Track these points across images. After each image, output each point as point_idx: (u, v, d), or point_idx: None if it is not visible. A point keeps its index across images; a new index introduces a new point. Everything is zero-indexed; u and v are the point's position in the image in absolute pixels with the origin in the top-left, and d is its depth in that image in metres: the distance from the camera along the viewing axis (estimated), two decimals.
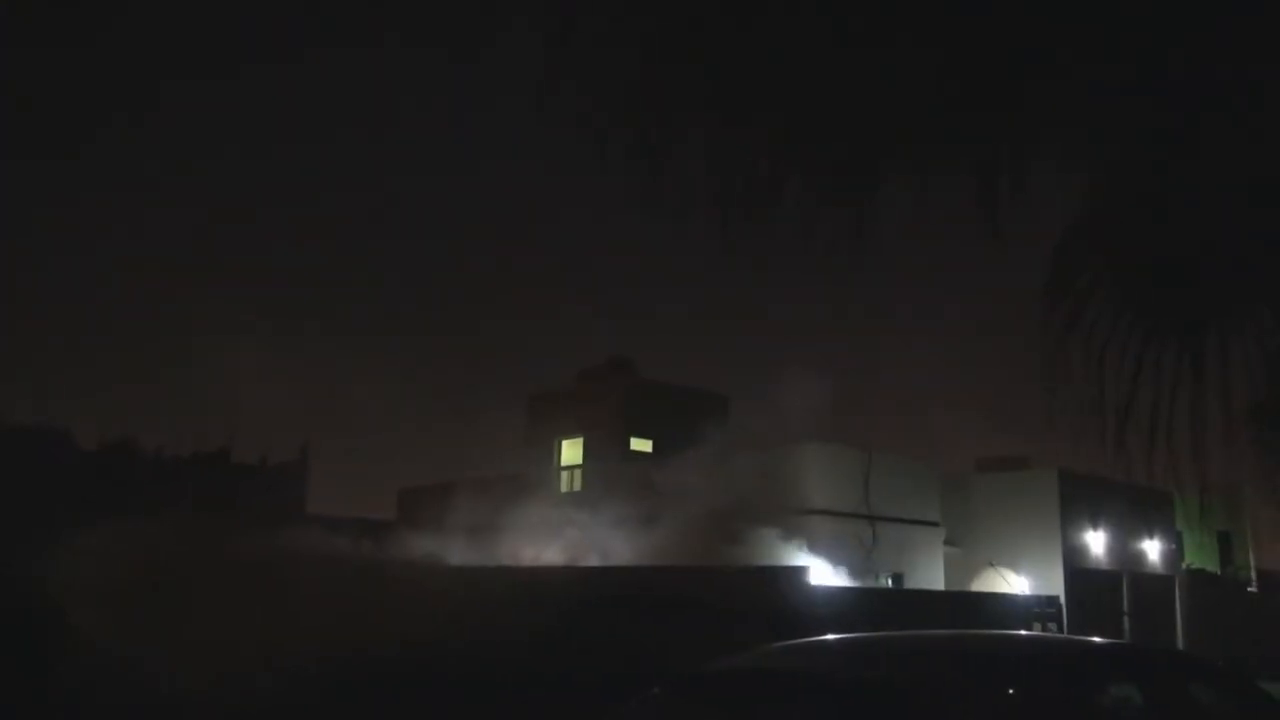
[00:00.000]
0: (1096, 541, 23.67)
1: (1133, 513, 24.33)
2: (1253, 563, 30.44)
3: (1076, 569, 22.77)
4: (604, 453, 22.81)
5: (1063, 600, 19.71)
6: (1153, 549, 25.56)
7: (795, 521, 18.11)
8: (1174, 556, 26.47)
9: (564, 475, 23.97)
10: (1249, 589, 29.37)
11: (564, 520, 19.19)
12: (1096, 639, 4.85)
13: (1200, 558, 28.08)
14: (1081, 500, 23.23)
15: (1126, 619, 23.09)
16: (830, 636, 4.97)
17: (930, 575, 20.94)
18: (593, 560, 18.12)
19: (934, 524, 21.57)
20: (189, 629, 12.89)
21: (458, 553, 18.32)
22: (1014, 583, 22.28)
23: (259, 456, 30.50)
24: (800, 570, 15.20)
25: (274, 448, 31.52)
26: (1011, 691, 3.42)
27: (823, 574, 16.78)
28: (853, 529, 19.05)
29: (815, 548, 17.47)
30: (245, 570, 14.68)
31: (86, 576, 13.93)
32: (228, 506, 17.96)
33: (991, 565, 22.62)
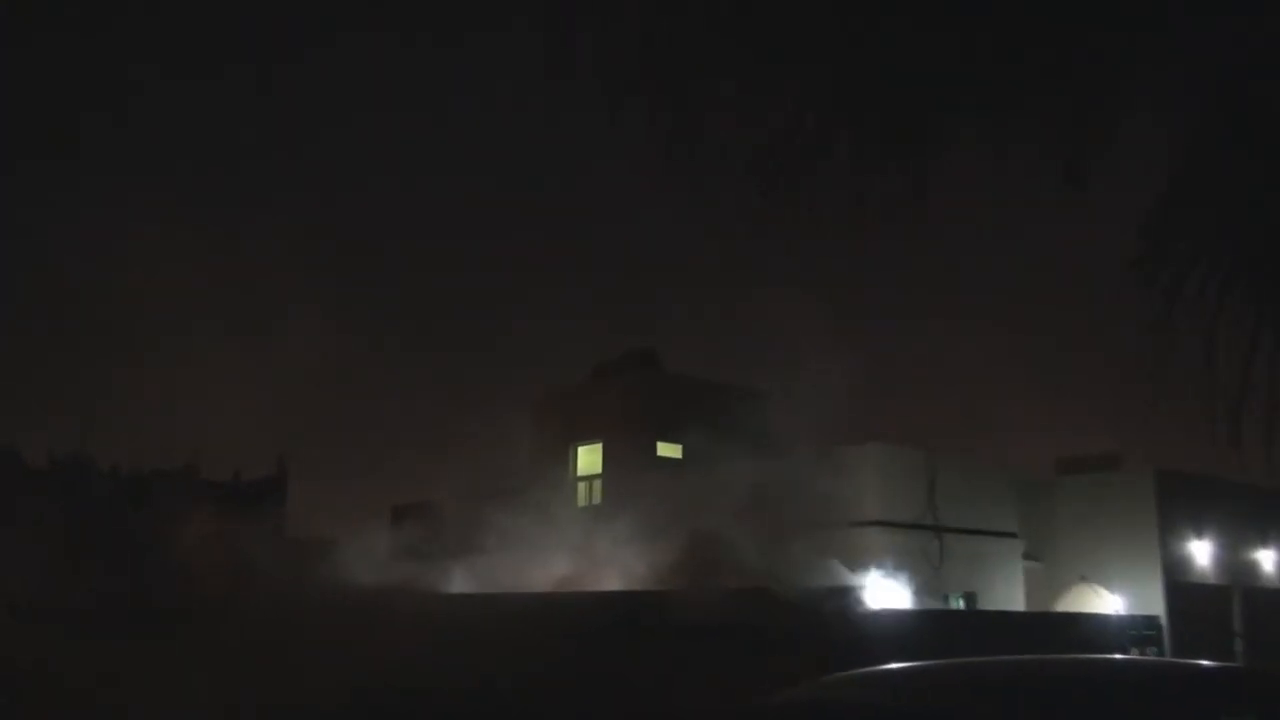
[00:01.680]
0: (1202, 551, 23.48)
1: (1245, 517, 24.13)
2: None
3: (1179, 583, 22.60)
4: (626, 459, 22.83)
5: (1163, 620, 19.59)
6: (1269, 559, 25.32)
7: (851, 535, 18.10)
8: None
9: (581, 486, 24.03)
10: None
11: (581, 537, 19.24)
12: (1205, 662, 4.83)
13: None
14: (1183, 504, 23.05)
15: (1238, 640, 22.92)
16: (894, 665, 4.97)
17: (1008, 594, 20.87)
18: (615, 582, 18.17)
19: (1011, 535, 21.48)
20: (162, 669, 13.07)
21: (460, 576, 18.41)
22: (1106, 601, 22.16)
23: (231, 472, 30.78)
24: (857, 591, 15.18)
25: (248, 462, 31.79)
26: None
27: (883, 594, 16.75)
28: (917, 542, 19.02)
29: (874, 564, 17.46)
30: (216, 602, 14.84)
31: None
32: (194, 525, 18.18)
33: (1084, 580, 22.53)
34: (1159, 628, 18.55)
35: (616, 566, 18.53)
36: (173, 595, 15.39)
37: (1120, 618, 19.78)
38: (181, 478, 25.94)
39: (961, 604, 19.91)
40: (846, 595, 14.98)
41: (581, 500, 23.82)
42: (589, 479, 24.03)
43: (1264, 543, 25.27)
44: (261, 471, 31.42)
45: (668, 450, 23.33)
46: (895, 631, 13.62)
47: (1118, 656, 11.70)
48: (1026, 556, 21.99)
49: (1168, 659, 16.32)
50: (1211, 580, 23.47)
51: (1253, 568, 24.91)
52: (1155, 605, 21.46)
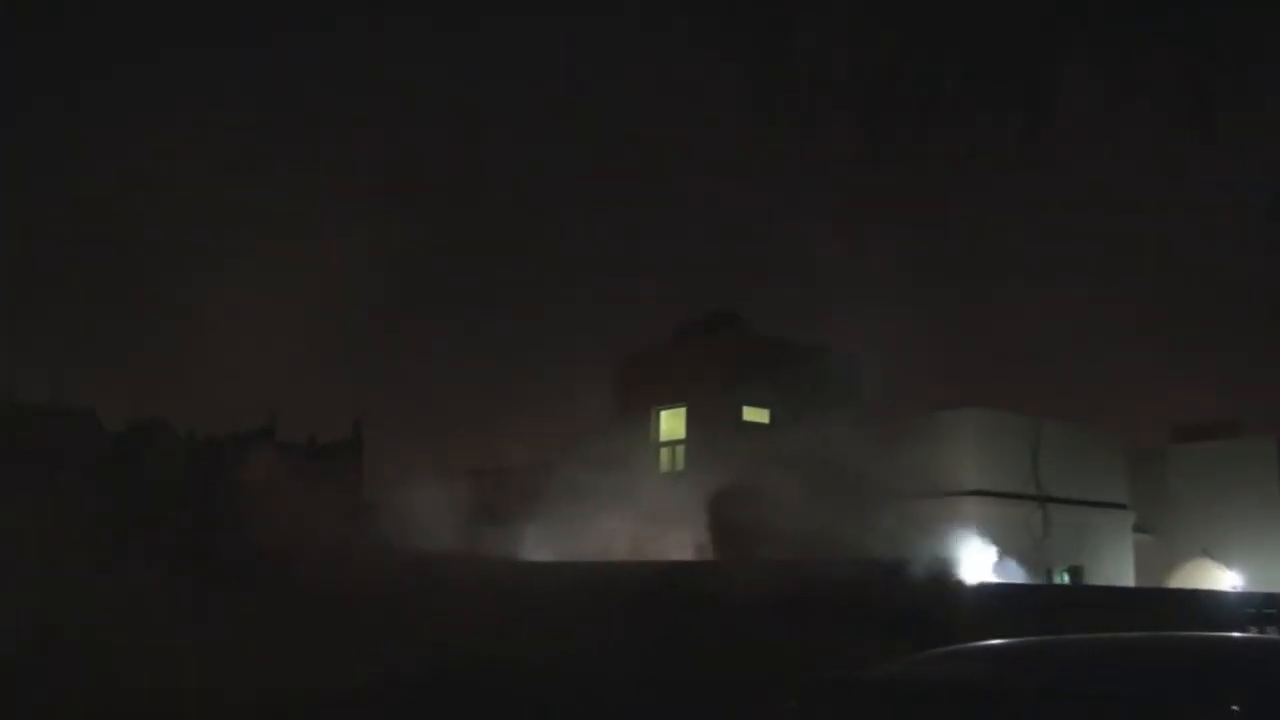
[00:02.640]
0: None
1: None
2: None
3: None
4: (711, 424, 22.85)
5: None
6: None
7: (948, 504, 17.93)
8: None
9: (664, 452, 24.11)
10: None
11: (663, 504, 19.34)
12: None
13: None
14: None
15: None
16: (993, 641, 4.93)
17: (1117, 568, 20.55)
18: (693, 551, 18.27)
19: (1121, 506, 21.13)
20: (226, 632, 13.45)
21: (539, 543, 18.63)
22: (1224, 577, 21.74)
23: (307, 435, 31.42)
24: (954, 564, 15.08)
25: (323, 426, 32.43)
26: (1236, 708, 3.34)
27: (981, 567, 16.62)
28: (1019, 513, 18.79)
29: (972, 535, 17.30)
30: (285, 565, 15.21)
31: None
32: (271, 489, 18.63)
33: (1206, 554, 22.12)
34: None
35: (699, 535, 18.61)
36: (243, 559, 15.79)
37: (1238, 594, 19.37)
38: (258, 440, 26.59)
39: (1066, 579, 19.66)
40: (941, 568, 14.86)
41: (664, 466, 23.91)
42: (672, 444, 24.10)
43: None
44: (338, 434, 32.03)
45: (754, 415, 23.28)
46: (994, 606, 13.50)
47: (1235, 635, 11.48)
48: (1137, 529, 21.62)
49: None
50: None
51: None
52: (1278, 582, 20.99)
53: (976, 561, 16.77)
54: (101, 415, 27.47)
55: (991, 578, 16.62)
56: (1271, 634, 16.55)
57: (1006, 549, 17.68)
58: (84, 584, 13.96)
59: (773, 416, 22.97)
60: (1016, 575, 17.43)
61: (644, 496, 19.52)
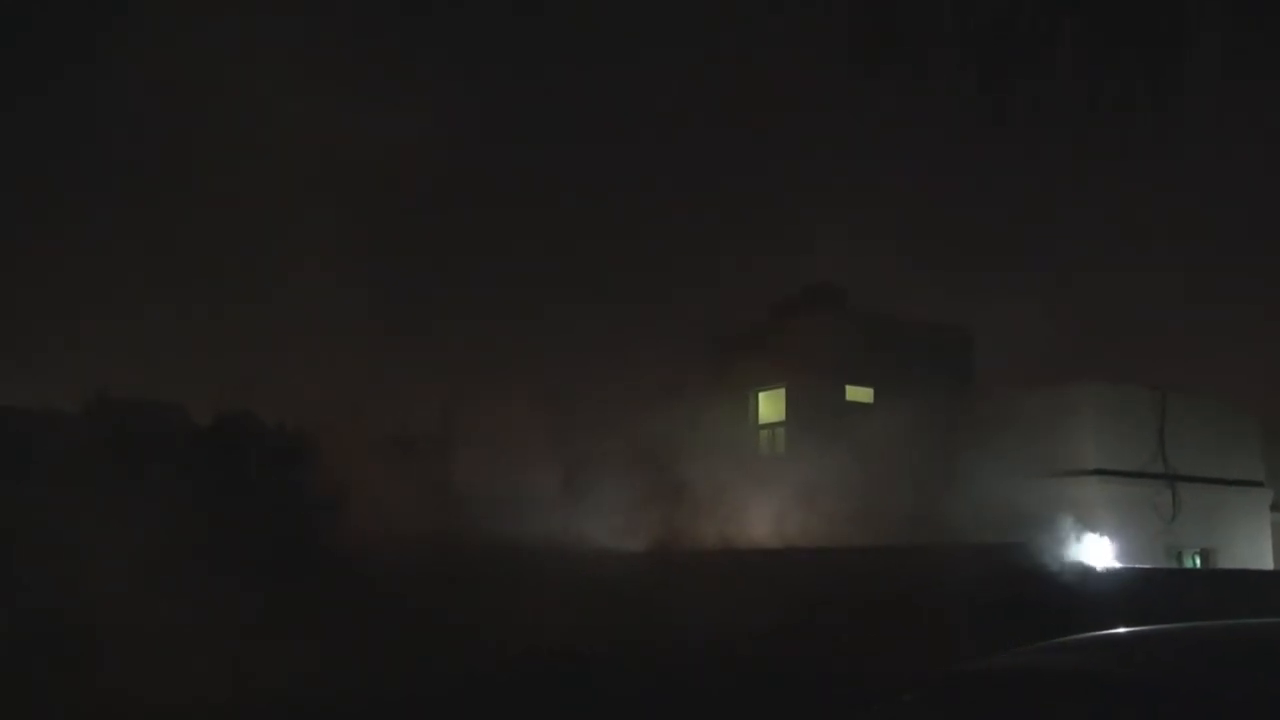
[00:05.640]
0: None
1: None
2: None
3: None
4: (812, 405, 22.76)
5: None
6: None
7: (1068, 484, 17.65)
8: None
9: (763, 434, 24.07)
10: None
11: (762, 490, 19.34)
12: None
13: None
14: None
15: None
16: (1120, 630, 4.85)
17: (1253, 551, 20.03)
18: (799, 538, 18.23)
19: (1257, 484, 20.57)
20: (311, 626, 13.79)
21: (636, 533, 18.75)
22: None
23: (396, 426, 31.88)
24: (1074, 547, 14.85)
25: (413, 416, 32.86)
26: None
27: (1104, 552, 16.35)
28: (1145, 493, 18.41)
29: (1094, 518, 17.01)
30: (382, 557, 15.54)
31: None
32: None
33: None
34: None
35: (802, 521, 18.57)
36: (332, 553, 16.14)
37: None
38: (346, 431, 27.09)
39: (1197, 562, 19.22)
40: (1065, 552, 14.64)
41: (764, 449, 23.88)
42: (771, 427, 24.05)
43: None
44: (428, 424, 32.44)
45: (857, 394, 23.14)
46: (1119, 592, 13.27)
47: None
48: (1275, 508, 21.02)
49: None
50: None
51: None
52: None
53: (1100, 545, 16.49)
54: (191, 409, 28.31)
55: (1116, 562, 16.33)
56: None
57: (1132, 531, 17.35)
58: (170, 576, 14.40)
59: (877, 395, 22.80)
60: (1143, 559, 17.10)
61: (743, 481, 19.54)
